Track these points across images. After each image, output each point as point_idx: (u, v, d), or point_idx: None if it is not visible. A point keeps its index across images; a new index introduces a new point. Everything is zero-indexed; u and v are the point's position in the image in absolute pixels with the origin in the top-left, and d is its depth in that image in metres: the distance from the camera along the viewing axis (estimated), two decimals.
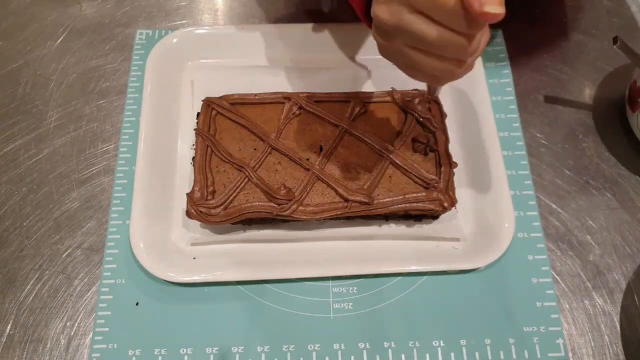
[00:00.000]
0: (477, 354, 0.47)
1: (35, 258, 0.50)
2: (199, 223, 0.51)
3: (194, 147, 0.51)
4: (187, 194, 0.48)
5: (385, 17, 0.35)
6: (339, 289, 0.49)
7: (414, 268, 0.48)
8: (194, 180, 0.48)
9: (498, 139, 0.53)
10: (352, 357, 0.47)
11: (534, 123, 0.58)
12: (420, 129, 0.52)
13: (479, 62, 0.57)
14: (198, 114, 0.52)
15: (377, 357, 0.47)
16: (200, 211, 0.47)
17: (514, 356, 0.47)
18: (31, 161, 0.55)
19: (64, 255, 0.50)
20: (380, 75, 0.58)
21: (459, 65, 0.36)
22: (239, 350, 0.47)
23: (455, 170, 0.50)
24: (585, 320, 0.49)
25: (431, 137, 0.51)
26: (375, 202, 0.48)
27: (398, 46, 0.37)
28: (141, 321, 0.47)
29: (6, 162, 0.55)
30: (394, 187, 0.49)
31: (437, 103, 0.53)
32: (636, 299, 0.49)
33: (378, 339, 0.47)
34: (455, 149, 0.53)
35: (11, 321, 0.48)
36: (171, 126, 0.55)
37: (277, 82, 0.57)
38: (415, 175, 0.49)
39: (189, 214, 0.47)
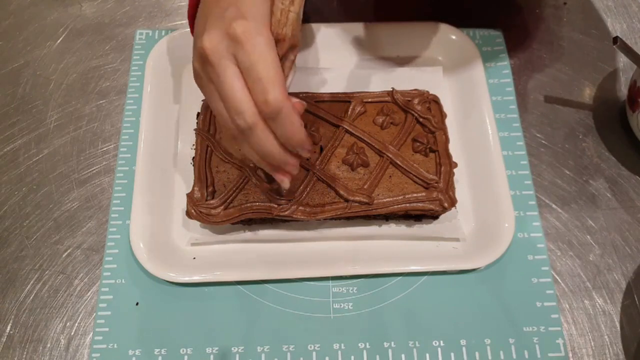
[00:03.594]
0: (477, 354, 0.47)
1: (35, 258, 0.50)
2: (199, 223, 0.51)
3: (194, 147, 0.51)
4: (187, 194, 0.48)
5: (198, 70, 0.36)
6: (339, 289, 0.49)
7: (414, 268, 0.48)
8: (194, 180, 0.48)
9: (498, 139, 0.53)
10: (352, 357, 0.47)
11: (534, 123, 0.58)
12: (420, 129, 0.52)
13: (479, 62, 0.57)
14: (198, 114, 0.52)
15: (377, 357, 0.47)
16: (200, 211, 0.47)
17: (514, 356, 0.47)
18: (31, 161, 0.55)
19: (64, 255, 0.50)
20: (380, 75, 0.58)
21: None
22: (239, 350, 0.47)
23: (455, 170, 0.50)
24: (585, 320, 0.49)
25: (431, 137, 0.51)
26: (375, 202, 0.48)
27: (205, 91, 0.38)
28: (141, 321, 0.47)
29: (6, 162, 0.55)
30: (394, 187, 0.49)
31: (437, 103, 0.53)
32: (636, 299, 0.50)
33: (378, 339, 0.47)
34: (455, 149, 0.53)
35: (11, 321, 0.48)
36: (171, 126, 0.55)
37: None
38: (415, 175, 0.49)
39: (189, 214, 0.47)
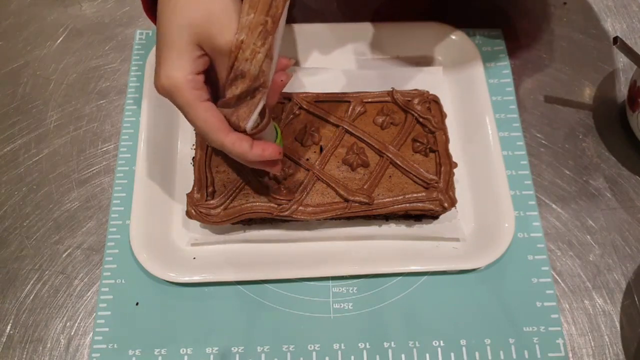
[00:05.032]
0: (477, 354, 0.47)
1: (35, 258, 0.50)
2: (199, 223, 0.51)
3: (194, 147, 0.51)
4: (187, 194, 0.48)
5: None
6: (339, 289, 0.49)
7: (414, 268, 0.48)
8: (194, 180, 0.48)
9: (498, 139, 0.53)
10: (352, 357, 0.47)
11: (534, 123, 0.58)
12: (420, 129, 0.52)
13: (479, 62, 0.57)
14: None
15: (377, 357, 0.47)
16: (200, 211, 0.47)
17: (514, 356, 0.47)
18: (31, 161, 0.55)
19: (64, 255, 0.50)
20: (380, 75, 0.58)
21: None
22: (239, 350, 0.47)
23: (455, 170, 0.50)
24: (585, 320, 0.49)
25: (431, 137, 0.51)
26: (375, 202, 0.48)
27: None
28: (141, 321, 0.47)
29: (6, 162, 0.55)
30: (394, 187, 0.49)
31: (437, 103, 0.53)
32: (636, 299, 0.50)
33: (378, 339, 0.47)
34: (455, 149, 0.53)
35: (11, 321, 0.48)
36: (171, 126, 0.55)
37: None
38: (415, 175, 0.49)
39: (189, 214, 0.47)
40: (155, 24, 0.44)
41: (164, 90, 0.36)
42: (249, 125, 0.37)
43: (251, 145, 0.38)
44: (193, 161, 0.50)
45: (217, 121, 0.36)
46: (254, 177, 0.48)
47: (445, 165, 0.50)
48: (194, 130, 0.39)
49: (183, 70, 0.35)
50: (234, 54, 0.34)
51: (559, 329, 0.48)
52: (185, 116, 0.37)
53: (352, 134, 0.51)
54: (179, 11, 0.35)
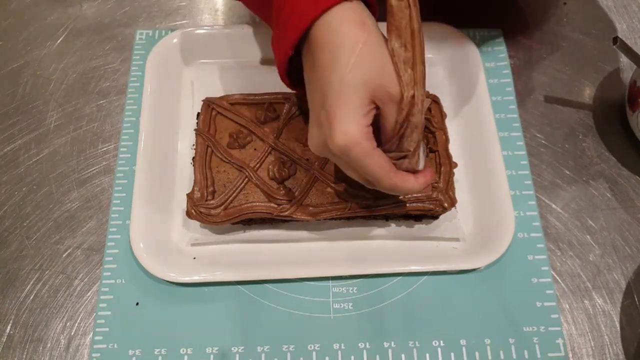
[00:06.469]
0: (477, 354, 0.47)
1: (35, 258, 0.50)
2: (199, 223, 0.51)
3: (194, 147, 0.51)
4: (187, 194, 0.48)
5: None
6: (339, 289, 0.49)
7: (414, 268, 0.48)
8: (194, 181, 0.48)
9: (498, 139, 0.53)
10: (352, 357, 0.47)
11: (534, 123, 0.58)
12: None
13: (479, 62, 0.57)
14: (198, 114, 0.52)
15: (377, 357, 0.47)
16: (200, 211, 0.47)
17: (514, 356, 0.47)
18: (31, 161, 0.55)
19: (64, 255, 0.50)
20: None
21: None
22: (239, 350, 0.47)
23: (455, 170, 0.50)
24: (585, 320, 0.49)
25: (431, 137, 0.51)
26: (375, 202, 0.48)
27: None
28: (141, 321, 0.47)
29: (6, 162, 0.55)
30: None
31: (437, 103, 0.53)
32: (636, 299, 0.50)
33: (378, 339, 0.47)
34: (455, 149, 0.53)
35: (11, 321, 0.48)
36: (171, 126, 0.55)
37: (277, 82, 0.57)
38: None
39: (189, 214, 0.47)
40: (292, 88, 0.45)
41: (340, 147, 0.36)
42: (421, 164, 0.40)
43: (416, 178, 0.40)
44: (193, 161, 0.50)
45: (388, 165, 0.37)
46: (254, 176, 0.48)
47: (445, 165, 0.50)
48: (356, 176, 0.40)
49: (359, 125, 0.36)
50: (408, 109, 0.35)
51: (559, 329, 0.48)
52: (359, 167, 0.37)
53: None
54: (353, 71, 0.35)
